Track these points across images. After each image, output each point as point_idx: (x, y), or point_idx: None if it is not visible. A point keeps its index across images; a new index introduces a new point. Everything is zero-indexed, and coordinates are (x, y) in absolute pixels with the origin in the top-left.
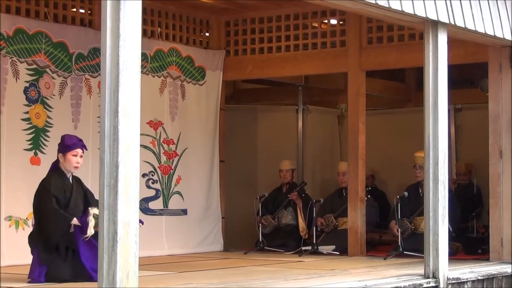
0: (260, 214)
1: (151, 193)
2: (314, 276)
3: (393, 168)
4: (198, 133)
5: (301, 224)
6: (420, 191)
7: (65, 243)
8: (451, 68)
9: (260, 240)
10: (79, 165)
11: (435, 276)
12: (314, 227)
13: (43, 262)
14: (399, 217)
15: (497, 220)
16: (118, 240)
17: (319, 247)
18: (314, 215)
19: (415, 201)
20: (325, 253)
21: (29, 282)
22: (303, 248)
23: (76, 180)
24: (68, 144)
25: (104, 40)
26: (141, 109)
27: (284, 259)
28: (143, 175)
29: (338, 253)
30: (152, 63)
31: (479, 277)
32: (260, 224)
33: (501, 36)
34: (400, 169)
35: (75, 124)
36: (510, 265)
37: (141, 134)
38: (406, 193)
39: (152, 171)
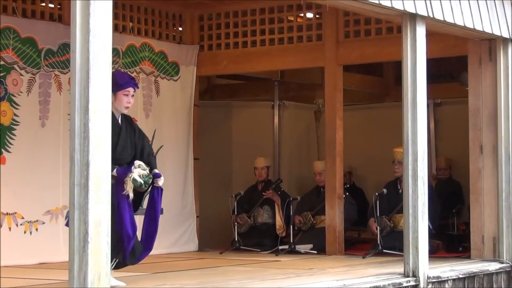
0: (235, 213)
1: None
2: (291, 275)
3: (372, 164)
4: (173, 130)
5: (279, 221)
6: (399, 188)
7: None
8: (430, 62)
9: (236, 239)
10: (130, 105)
11: (415, 275)
12: (292, 226)
13: None
14: (377, 214)
15: (478, 217)
16: (89, 240)
17: (296, 246)
18: (291, 213)
19: (394, 198)
20: (302, 252)
21: None
22: (280, 247)
23: (127, 120)
24: (120, 83)
25: (74, 35)
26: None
27: (260, 259)
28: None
29: (315, 252)
30: (124, 59)
31: (460, 276)
32: (236, 223)
33: (481, 29)
34: (378, 166)
35: (43, 122)
36: (491, 263)
37: None
38: (384, 190)
39: None
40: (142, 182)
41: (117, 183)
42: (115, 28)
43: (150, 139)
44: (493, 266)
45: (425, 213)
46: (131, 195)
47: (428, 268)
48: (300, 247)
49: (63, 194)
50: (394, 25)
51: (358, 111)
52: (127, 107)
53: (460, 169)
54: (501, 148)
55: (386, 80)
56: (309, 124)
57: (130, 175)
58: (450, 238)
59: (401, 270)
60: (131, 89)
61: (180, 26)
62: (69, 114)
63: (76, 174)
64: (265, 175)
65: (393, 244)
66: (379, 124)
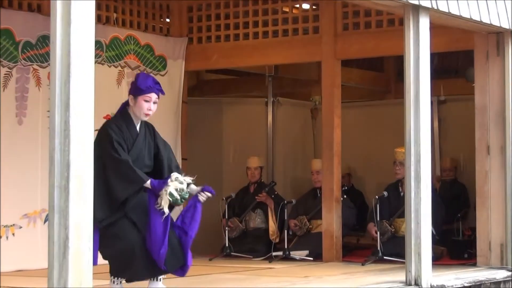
0: (226, 217)
1: None
2: (285, 284)
3: (372, 165)
4: (160, 128)
5: (272, 226)
6: (401, 190)
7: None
8: (434, 57)
9: (227, 245)
10: (151, 112)
11: (417, 283)
12: (286, 230)
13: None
14: (378, 219)
15: (484, 222)
16: (70, 246)
17: (291, 252)
18: (286, 217)
19: (395, 201)
20: (297, 258)
21: None
22: (274, 253)
23: (149, 129)
24: (141, 87)
25: (54, 26)
26: (96, 103)
27: (253, 266)
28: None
29: (311, 258)
30: (107, 52)
31: (466, 284)
32: (227, 228)
33: (488, 22)
34: (379, 167)
35: (20, 119)
36: (498, 271)
37: (97, 130)
38: (385, 193)
39: None
40: (179, 197)
41: (151, 196)
42: (98, 19)
43: None
44: (500, 274)
45: (428, 218)
46: (166, 210)
47: (431, 276)
48: (295, 254)
49: (42, 197)
50: (396, 17)
51: (357, 108)
52: (147, 114)
53: (466, 171)
54: (510, 148)
55: (387, 75)
56: (305, 123)
57: (166, 189)
58: (455, 244)
59: (403, 278)
60: (153, 95)
61: (168, 17)
62: (48, 111)
63: (56, 175)
64: (258, 176)
65: (394, 250)
66: (379, 123)
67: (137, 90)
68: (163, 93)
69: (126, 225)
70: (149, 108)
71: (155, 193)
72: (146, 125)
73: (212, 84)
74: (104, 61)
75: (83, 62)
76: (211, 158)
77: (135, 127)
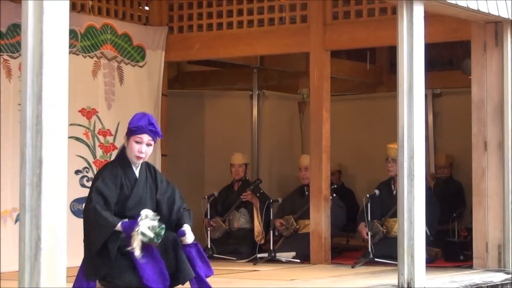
0: (208, 217)
1: (85, 192)
2: (271, 287)
3: (363, 162)
4: None
5: (257, 227)
6: (393, 189)
7: (109, 254)
8: (429, 48)
9: (209, 246)
10: (143, 155)
11: (410, 287)
12: (272, 231)
13: (86, 277)
14: (369, 218)
15: (481, 222)
16: (42, 247)
17: (276, 254)
18: (271, 217)
19: (387, 200)
20: (283, 261)
21: None
22: (259, 255)
23: (150, 170)
24: (130, 127)
25: (26, 14)
26: (70, 95)
27: (236, 268)
28: (76, 172)
29: (298, 260)
30: (82, 42)
31: None
32: (209, 228)
33: (486, 11)
34: (370, 164)
35: None
36: (496, 274)
37: (71, 125)
38: (377, 191)
39: (86, 167)
40: (153, 235)
41: (128, 238)
42: (73, 7)
43: (112, 132)
44: (498, 277)
45: (422, 217)
46: (137, 252)
47: (425, 279)
48: (281, 255)
49: (13, 195)
50: (389, 6)
51: (347, 102)
52: (138, 157)
53: (462, 168)
54: (508, 144)
55: (380, 67)
56: (292, 117)
57: (136, 229)
58: (450, 246)
59: (395, 281)
60: (145, 136)
61: (147, 5)
62: (19, 104)
63: (28, 172)
64: (243, 173)
65: (386, 252)
66: (371, 117)
67: (128, 130)
68: (159, 135)
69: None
70: (140, 150)
71: (127, 235)
72: (147, 167)
73: (194, 76)
74: (79, 52)
75: (57, 52)
76: (192, 155)
77: (134, 172)
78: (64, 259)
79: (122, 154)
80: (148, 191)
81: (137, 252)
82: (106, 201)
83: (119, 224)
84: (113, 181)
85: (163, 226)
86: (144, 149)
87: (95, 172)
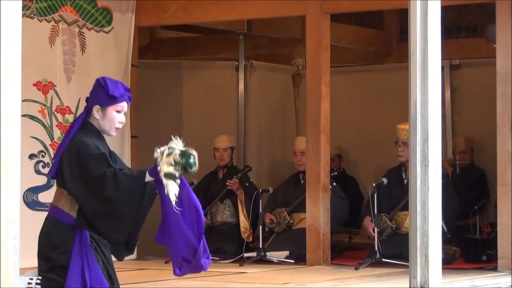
0: None
1: (41, 180)
2: None
3: (368, 145)
4: None
5: (243, 222)
6: (404, 177)
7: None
8: (446, 11)
9: None
10: (121, 126)
11: None
12: (261, 226)
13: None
14: (375, 212)
15: (507, 216)
16: None
17: (267, 254)
18: (261, 210)
19: (397, 190)
20: (275, 261)
21: None
22: (246, 254)
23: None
24: (114, 95)
25: None
26: (23, 66)
27: (220, 270)
28: (30, 157)
29: (293, 261)
30: (38, 3)
31: None
32: None
33: None
34: (377, 147)
35: None
36: None
37: (24, 101)
38: (385, 180)
39: (42, 151)
40: (182, 160)
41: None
42: None
43: (73, 110)
44: None
45: (437, 211)
46: (176, 190)
47: (441, 283)
48: (273, 255)
49: None
50: None
51: (350, 74)
52: (117, 129)
53: (485, 153)
54: None
55: (388, 34)
56: (285, 92)
57: (162, 149)
58: (470, 244)
59: (406, 285)
60: (125, 104)
61: None
62: None
63: None
64: (228, 158)
65: (395, 251)
66: (377, 92)
67: (107, 98)
68: (131, 101)
69: None
70: (121, 120)
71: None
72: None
73: (170, 43)
74: (34, 15)
75: (7, 15)
76: (168, 136)
77: (106, 143)
78: (16, 258)
79: (90, 126)
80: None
81: (175, 190)
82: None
83: (146, 173)
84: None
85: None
86: (124, 119)
87: (52, 157)
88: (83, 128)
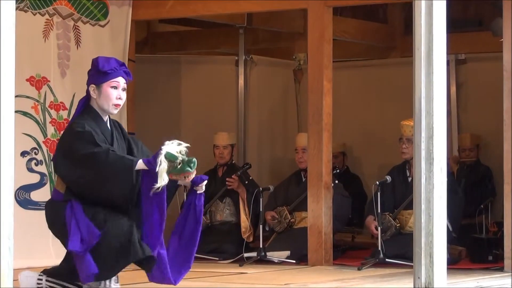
0: None
1: (34, 178)
2: None
3: (371, 142)
4: None
5: (244, 221)
6: (408, 175)
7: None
8: (452, 4)
9: None
10: (121, 102)
11: None
12: (261, 225)
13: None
14: (379, 210)
15: None
16: None
17: (267, 253)
18: (261, 209)
19: (401, 188)
20: (276, 261)
21: None
22: (246, 254)
23: (116, 126)
24: (105, 70)
25: None
26: (16, 61)
27: (219, 271)
28: (23, 154)
29: (294, 261)
30: None
31: None
32: None
33: None
34: (380, 144)
35: None
36: None
37: (17, 96)
38: (388, 178)
39: (34, 148)
40: (180, 158)
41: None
42: None
43: (67, 106)
44: None
45: (443, 210)
46: (165, 180)
47: (446, 284)
48: (273, 255)
49: None
50: None
51: (353, 69)
52: (117, 105)
53: (491, 150)
54: None
55: (392, 28)
56: (286, 87)
57: (160, 152)
58: (476, 243)
59: (410, 285)
60: (121, 80)
61: None
62: None
63: None
64: (228, 156)
65: (399, 251)
66: (381, 88)
67: (100, 75)
68: (131, 77)
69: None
70: (119, 96)
71: (153, 171)
72: (113, 121)
73: (168, 37)
74: (28, 8)
75: (1, 8)
76: (166, 133)
77: (106, 125)
78: (10, 258)
79: (89, 108)
80: (121, 145)
81: (165, 180)
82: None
83: (140, 161)
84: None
85: (193, 159)
86: (122, 95)
87: (45, 154)
88: (83, 112)
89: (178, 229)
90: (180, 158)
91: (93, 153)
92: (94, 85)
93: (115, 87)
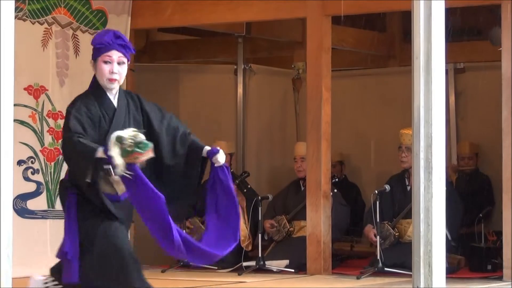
0: (184, 216)
1: (31, 187)
2: None
3: (370, 151)
4: None
5: (243, 230)
6: (407, 184)
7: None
8: (450, 13)
9: None
10: (116, 77)
11: None
12: (260, 234)
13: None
14: (377, 219)
15: None
16: None
17: (266, 263)
18: (260, 218)
19: (400, 197)
20: (275, 270)
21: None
22: (245, 263)
23: (133, 100)
24: (95, 45)
25: None
26: (14, 70)
27: (218, 280)
28: (19, 163)
29: (293, 270)
30: (31, 5)
31: None
32: (185, 230)
33: None
34: (379, 153)
35: None
36: None
37: (15, 105)
38: (387, 187)
39: (31, 157)
40: (130, 141)
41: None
42: None
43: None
44: None
45: (441, 219)
46: (119, 161)
47: None
48: (272, 264)
49: None
50: None
51: (351, 78)
52: (111, 80)
53: (490, 159)
54: None
55: (391, 37)
56: (285, 96)
57: (112, 136)
58: (475, 253)
59: None
60: (114, 53)
61: None
62: None
63: None
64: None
65: (398, 260)
66: (380, 97)
67: (94, 50)
68: (131, 50)
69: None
70: (111, 70)
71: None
72: (130, 96)
73: (167, 46)
74: (27, 17)
75: (0, 17)
76: None
77: (111, 101)
78: (9, 266)
79: (94, 83)
80: (132, 122)
81: (118, 169)
82: (85, 131)
83: (100, 148)
84: (87, 114)
85: (148, 144)
86: (117, 69)
87: (42, 163)
88: (89, 89)
89: (211, 209)
90: (129, 140)
91: (64, 138)
92: (92, 61)
93: (109, 62)
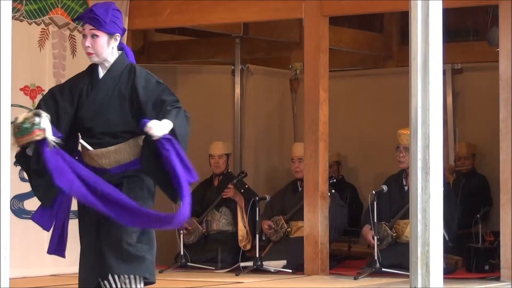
0: None
1: (26, 187)
2: None
3: (367, 152)
4: None
5: (242, 230)
6: (405, 184)
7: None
8: (448, 13)
9: (182, 253)
10: (91, 50)
11: None
12: (258, 235)
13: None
14: (375, 220)
15: (510, 225)
16: None
17: (264, 263)
18: (258, 218)
19: (397, 198)
20: (272, 270)
21: None
22: (242, 264)
23: (129, 73)
24: (74, 21)
25: None
26: (13, 70)
27: (215, 280)
28: (15, 163)
29: (290, 270)
30: (28, 5)
31: None
32: (182, 231)
33: None
34: (377, 154)
35: None
36: None
37: (11, 106)
38: (385, 187)
39: None
40: (21, 120)
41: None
42: None
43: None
44: None
45: (439, 219)
46: (12, 143)
47: None
48: (270, 264)
49: None
50: None
51: (349, 79)
52: (89, 54)
53: (487, 159)
54: None
55: (388, 37)
56: (282, 97)
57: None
58: (473, 253)
59: None
60: (86, 26)
61: None
62: None
63: None
64: (224, 165)
65: (395, 260)
66: (378, 97)
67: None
68: (104, 21)
69: None
70: (84, 44)
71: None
72: (128, 70)
73: (164, 47)
74: (24, 17)
75: None
76: None
77: (98, 74)
78: (6, 268)
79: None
80: (116, 97)
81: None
82: (46, 102)
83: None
84: (68, 85)
85: (31, 128)
86: (89, 42)
87: None
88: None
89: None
90: (19, 120)
91: None
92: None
93: (85, 36)
